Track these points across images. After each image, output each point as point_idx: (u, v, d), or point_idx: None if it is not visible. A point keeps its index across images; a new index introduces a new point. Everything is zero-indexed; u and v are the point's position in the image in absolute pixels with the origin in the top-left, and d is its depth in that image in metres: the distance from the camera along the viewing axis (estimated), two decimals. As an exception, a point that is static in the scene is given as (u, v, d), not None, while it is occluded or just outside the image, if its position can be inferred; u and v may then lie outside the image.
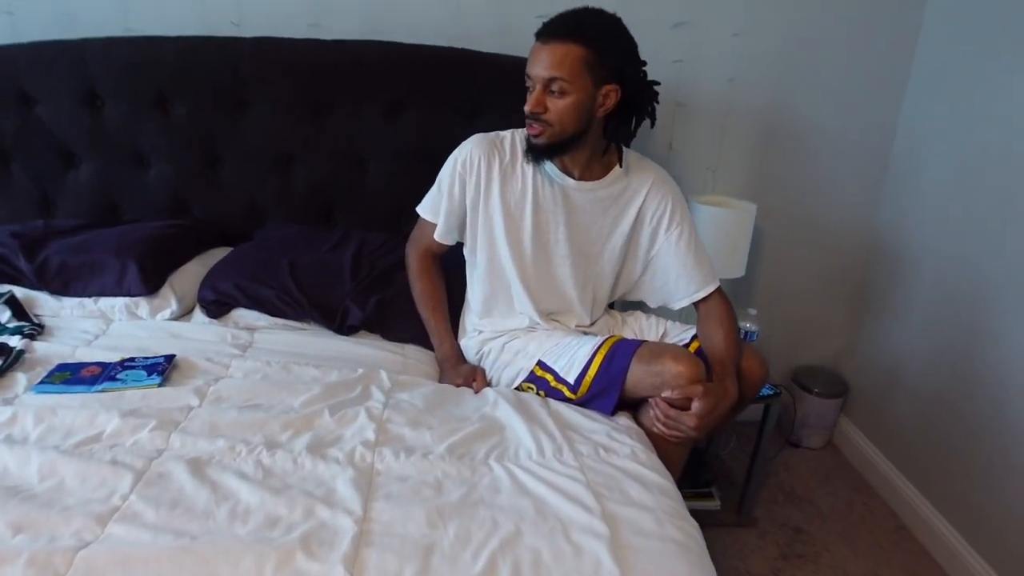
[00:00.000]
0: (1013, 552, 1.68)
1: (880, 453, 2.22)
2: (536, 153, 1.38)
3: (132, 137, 1.86)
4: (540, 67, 1.28)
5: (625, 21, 1.35)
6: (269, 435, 1.15)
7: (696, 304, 1.51)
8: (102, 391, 1.27)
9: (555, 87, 1.28)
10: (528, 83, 1.33)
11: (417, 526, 0.96)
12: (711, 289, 1.49)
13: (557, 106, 1.30)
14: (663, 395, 1.26)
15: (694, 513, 1.94)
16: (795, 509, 2.11)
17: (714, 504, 2.02)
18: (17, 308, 1.57)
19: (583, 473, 1.10)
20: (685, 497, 1.95)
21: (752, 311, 2.07)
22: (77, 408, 1.19)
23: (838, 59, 2.06)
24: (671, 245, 1.48)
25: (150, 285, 1.58)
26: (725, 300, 1.50)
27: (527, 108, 1.32)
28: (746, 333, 2.04)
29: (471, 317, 1.57)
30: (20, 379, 1.32)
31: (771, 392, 1.93)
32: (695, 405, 1.24)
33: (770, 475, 2.25)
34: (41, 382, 1.30)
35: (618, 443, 1.21)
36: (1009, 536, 1.69)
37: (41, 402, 1.23)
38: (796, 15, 2.00)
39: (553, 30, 1.28)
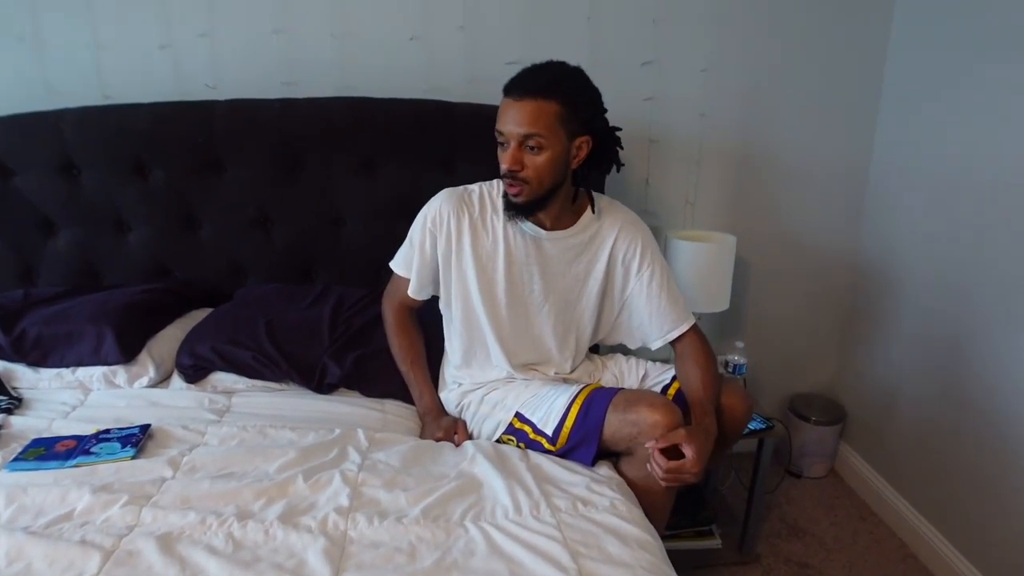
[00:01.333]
0: (1019, 572, 1.64)
1: (882, 479, 2.19)
2: (516, 211, 1.37)
3: (110, 203, 1.87)
4: (515, 124, 1.27)
5: (594, 61, 1.37)
6: (241, 505, 1.13)
7: (672, 343, 1.50)
8: (76, 466, 1.26)
9: (532, 143, 1.28)
10: (500, 139, 1.32)
11: (388, 597, 0.93)
12: (685, 327, 1.48)
13: (535, 162, 1.29)
14: (648, 445, 1.24)
15: (695, 553, 1.93)
16: (799, 542, 2.07)
17: (715, 543, 1.98)
18: (-4, 382, 1.57)
19: (560, 531, 1.08)
20: (685, 537, 1.95)
21: (739, 344, 2.06)
22: (49, 486, 1.18)
23: (808, 87, 2.09)
24: (643, 286, 1.48)
25: (127, 353, 1.57)
26: (701, 337, 1.49)
27: (505, 167, 1.31)
28: (735, 366, 2.02)
29: (450, 370, 1.56)
30: (-6, 457, 1.30)
31: (763, 426, 1.90)
32: (688, 450, 1.22)
33: (772, 508, 2.21)
34: (15, 459, 1.29)
35: (597, 495, 1.19)
36: (1014, 555, 1.66)
37: (14, 480, 1.21)
38: (762, 48, 2.04)
39: (525, 87, 1.27)
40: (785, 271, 2.27)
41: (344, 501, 1.14)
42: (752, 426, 1.90)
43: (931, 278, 1.95)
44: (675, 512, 1.93)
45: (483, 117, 1.79)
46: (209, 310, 1.80)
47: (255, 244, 1.90)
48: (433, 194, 1.49)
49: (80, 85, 1.89)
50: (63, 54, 1.88)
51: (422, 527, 1.09)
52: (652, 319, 1.49)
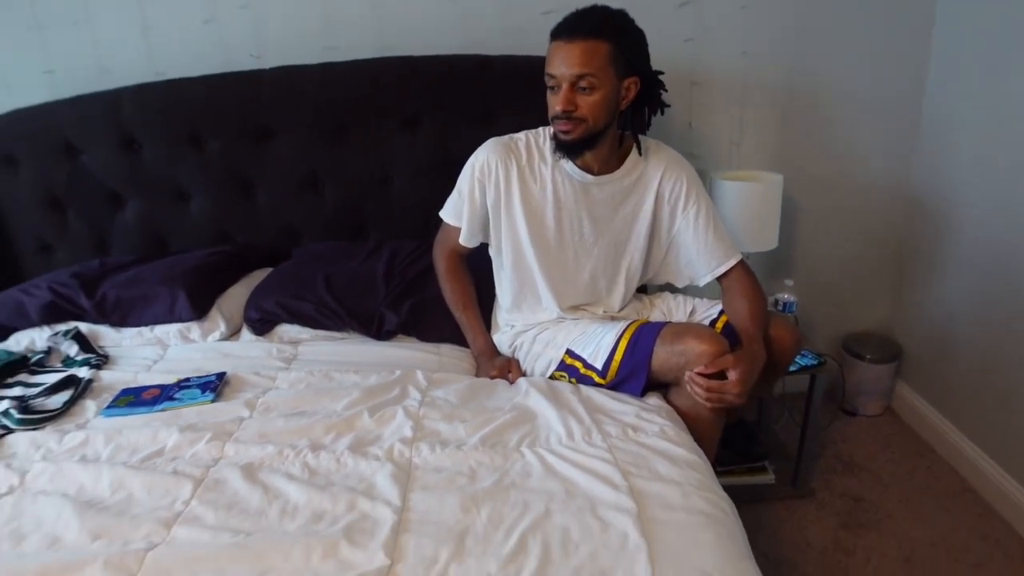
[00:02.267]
0: None
1: (940, 415, 2.16)
2: (567, 150, 1.39)
3: (171, 175, 1.98)
4: (567, 65, 1.29)
5: (632, 4, 1.37)
6: (314, 438, 1.22)
7: (719, 279, 1.52)
8: (162, 410, 1.37)
9: (584, 83, 1.30)
10: (551, 83, 1.34)
11: (452, 512, 1.01)
12: (732, 263, 1.50)
13: (587, 102, 1.31)
14: (697, 371, 1.28)
15: (749, 488, 1.96)
16: (854, 478, 2.07)
17: (768, 478, 2.01)
18: (83, 342, 1.70)
19: (611, 453, 1.13)
20: (738, 474, 1.98)
21: (789, 282, 2.05)
22: (141, 427, 1.29)
23: (855, 17, 2.02)
24: (689, 223, 1.49)
25: (199, 310, 1.68)
26: (748, 272, 1.50)
27: (558, 108, 1.33)
28: (784, 304, 2.02)
29: (501, 313, 1.61)
30: (89, 406, 1.43)
31: (815, 362, 1.90)
32: (732, 373, 1.26)
33: (827, 445, 2.22)
34: (108, 407, 1.41)
35: (647, 422, 1.23)
36: None
37: (109, 424, 1.33)
38: (804, -21, 1.98)
39: (575, 28, 1.29)
40: (835, 209, 2.24)
41: (407, 432, 1.22)
42: (803, 362, 1.91)
43: (986, 212, 1.90)
44: (727, 448, 1.98)
45: (520, 69, 1.84)
46: (269, 270, 1.90)
47: (308, 206, 1.98)
48: (475, 147, 1.52)
49: (134, 64, 1.98)
50: (115, 36, 1.97)
51: (481, 453, 1.16)
52: (700, 256, 1.51)
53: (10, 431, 1.35)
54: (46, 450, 1.27)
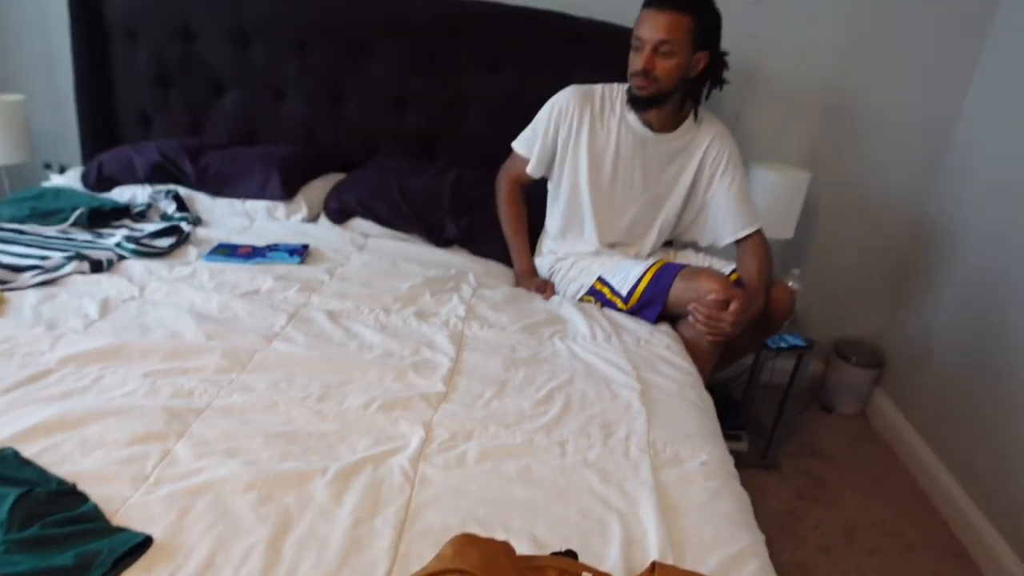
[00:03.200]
0: (1018, 513, 1.78)
1: (907, 423, 2.34)
2: (639, 104, 1.62)
3: (273, 72, 2.21)
4: (653, 31, 1.51)
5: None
6: (384, 304, 1.49)
7: (738, 242, 1.76)
8: (256, 264, 1.63)
9: (664, 49, 1.52)
10: (636, 43, 1.56)
11: (495, 369, 1.27)
12: (753, 229, 1.74)
13: (664, 66, 1.54)
14: (708, 298, 1.51)
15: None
16: (816, 461, 2.28)
17: (742, 446, 2.22)
18: (180, 203, 1.95)
19: (625, 353, 1.40)
20: None
21: (795, 271, 2.27)
22: (239, 271, 1.56)
23: (905, 44, 2.20)
24: (723, 188, 1.73)
25: (287, 192, 1.94)
26: (764, 241, 1.74)
27: (640, 65, 1.55)
28: (788, 289, 2.24)
29: (547, 241, 1.86)
30: (192, 251, 1.70)
31: (803, 344, 2.13)
32: (733, 304, 1.50)
33: (799, 432, 2.42)
34: (209, 253, 1.67)
35: (656, 338, 1.50)
36: (1018, 503, 1.79)
37: (212, 266, 1.60)
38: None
39: (666, 0, 1.51)
40: (852, 216, 2.43)
41: (461, 312, 1.49)
42: (793, 342, 2.13)
43: (986, 249, 2.05)
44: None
45: (601, 32, 2.04)
46: (343, 175, 2.14)
47: (390, 122, 2.21)
48: (548, 95, 1.75)
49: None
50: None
51: (520, 335, 1.43)
52: (727, 218, 1.74)
53: (124, 258, 1.62)
54: (159, 276, 1.53)
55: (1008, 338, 1.95)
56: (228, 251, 1.69)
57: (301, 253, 1.68)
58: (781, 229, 2.19)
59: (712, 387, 1.51)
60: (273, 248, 1.71)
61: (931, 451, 2.21)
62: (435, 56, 2.14)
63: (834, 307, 2.58)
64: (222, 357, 1.19)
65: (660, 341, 1.48)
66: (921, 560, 1.91)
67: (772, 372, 2.51)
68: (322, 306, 1.44)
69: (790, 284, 2.23)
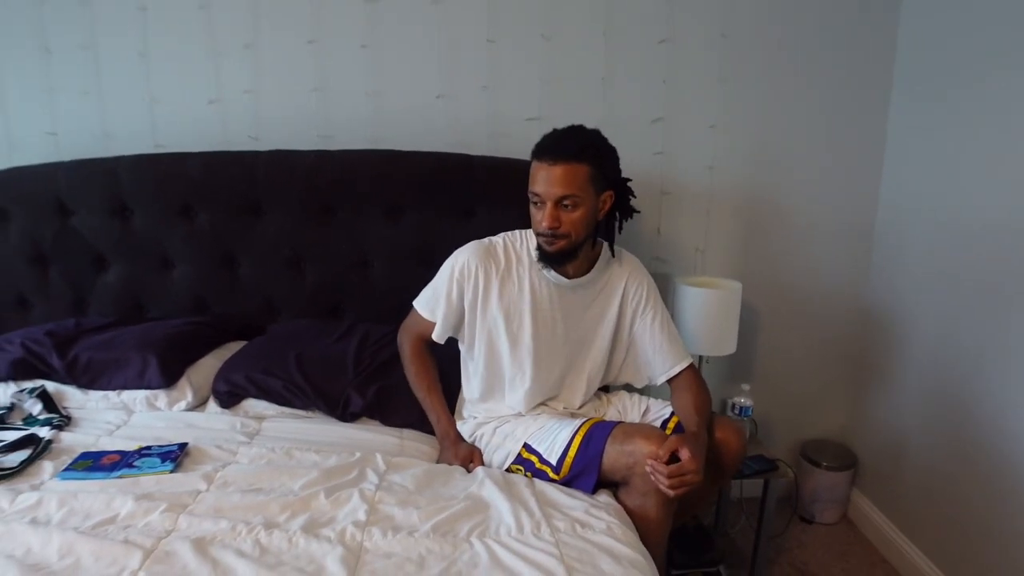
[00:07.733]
0: None
1: (894, 527, 2.20)
2: (552, 261, 1.50)
3: (158, 242, 2.04)
4: (551, 187, 1.41)
5: (608, 119, 1.51)
6: (268, 516, 1.24)
7: (670, 380, 1.61)
8: (120, 477, 1.38)
9: (567, 202, 1.42)
10: (535, 199, 1.46)
11: (397, 600, 1.02)
12: (684, 365, 1.60)
13: (571, 218, 1.43)
14: (652, 461, 1.31)
15: (703, 593, 1.95)
16: (808, 582, 2.09)
17: (722, 583, 2.02)
18: (48, 401, 1.71)
19: (558, 548, 1.17)
20: None
21: (745, 387, 2.13)
22: (96, 493, 1.30)
23: (813, 141, 2.21)
24: (647, 326, 1.60)
25: (168, 378, 1.71)
26: (696, 374, 1.61)
27: (544, 225, 1.44)
28: (740, 408, 2.09)
29: (467, 405, 1.67)
30: (47, 467, 1.43)
31: (768, 467, 1.96)
32: (683, 452, 1.30)
33: (783, 552, 2.24)
34: (66, 469, 1.42)
35: (595, 519, 1.27)
36: None
37: (65, 487, 1.34)
38: (767, 105, 2.17)
39: (557, 152, 1.41)
40: (794, 318, 2.35)
41: (361, 516, 1.24)
42: (756, 466, 1.96)
43: (936, 327, 2.01)
44: (682, 551, 1.99)
45: (501, 169, 1.96)
46: (243, 343, 1.94)
47: (288, 283, 2.05)
48: (454, 240, 1.62)
49: (136, 135, 2.10)
50: (122, 107, 2.09)
51: (431, 541, 1.18)
52: (655, 357, 1.60)
53: (-37, 487, 1.35)
54: (-4, 510, 1.26)
55: (970, 421, 1.87)
56: (90, 463, 1.44)
57: (175, 457, 1.43)
58: (722, 345, 2.06)
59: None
60: (145, 452, 1.47)
61: (925, 556, 2.06)
62: (330, 209, 2.02)
63: (792, 413, 2.46)
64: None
65: (599, 522, 1.26)
66: None
67: (742, 487, 2.37)
68: (190, 532, 1.19)
69: (739, 407, 2.08)
